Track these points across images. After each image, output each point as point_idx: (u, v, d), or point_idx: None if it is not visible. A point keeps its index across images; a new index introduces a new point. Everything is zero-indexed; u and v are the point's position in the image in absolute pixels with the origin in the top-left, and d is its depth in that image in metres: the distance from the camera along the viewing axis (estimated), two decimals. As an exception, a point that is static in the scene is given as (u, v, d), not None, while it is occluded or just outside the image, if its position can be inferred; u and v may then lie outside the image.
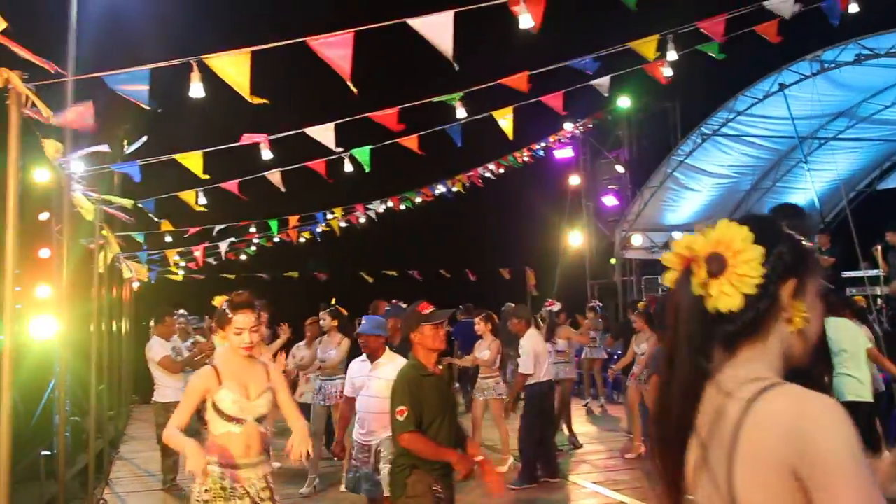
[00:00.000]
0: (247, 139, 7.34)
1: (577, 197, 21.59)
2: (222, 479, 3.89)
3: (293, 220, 13.73)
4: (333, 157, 8.50)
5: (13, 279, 4.08)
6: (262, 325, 4.26)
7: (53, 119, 4.71)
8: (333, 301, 9.01)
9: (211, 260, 15.28)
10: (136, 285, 14.94)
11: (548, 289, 19.63)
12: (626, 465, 9.36)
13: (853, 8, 7.78)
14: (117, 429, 11.94)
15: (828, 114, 16.35)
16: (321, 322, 8.77)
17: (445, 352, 4.61)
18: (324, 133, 7.06)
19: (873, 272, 12.86)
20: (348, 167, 9.09)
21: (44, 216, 10.26)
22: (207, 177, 7.25)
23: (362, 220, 14.49)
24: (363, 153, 8.80)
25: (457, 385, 12.54)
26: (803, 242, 1.49)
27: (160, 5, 12.48)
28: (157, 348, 8.60)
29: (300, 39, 5.14)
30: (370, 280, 19.27)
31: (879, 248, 12.37)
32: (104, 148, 6.64)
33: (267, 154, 7.58)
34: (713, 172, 18.50)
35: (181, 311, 9.73)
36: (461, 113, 7.81)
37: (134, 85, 4.96)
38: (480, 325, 9.24)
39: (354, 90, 5.24)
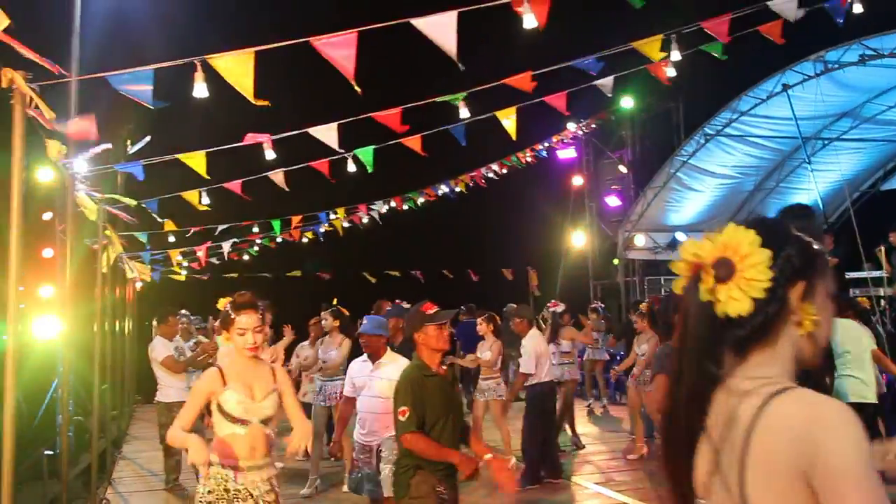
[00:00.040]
0: (250, 139, 7.35)
1: (580, 197, 21.58)
2: (225, 481, 3.88)
3: (296, 220, 13.74)
4: (337, 157, 8.51)
5: (17, 279, 4.08)
6: (266, 325, 4.21)
7: (56, 125, 4.72)
8: (335, 301, 9.00)
9: (214, 260, 15.29)
10: (139, 285, 14.95)
11: (550, 289, 19.62)
12: (629, 465, 9.35)
13: (857, 8, 7.77)
14: (120, 428, 11.95)
15: (831, 114, 16.33)
16: (322, 322, 8.76)
17: (448, 352, 4.59)
18: (327, 133, 7.07)
19: (877, 273, 12.83)
20: (351, 167, 9.09)
21: (47, 216, 10.27)
22: (209, 178, 7.25)
23: (365, 220, 14.49)
24: (366, 153, 8.80)
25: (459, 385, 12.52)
26: (812, 244, 1.48)
27: (163, 5, 12.50)
28: (160, 348, 8.61)
29: (304, 39, 5.15)
30: (373, 280, 19.26)
31: (883, 248, 12.35)
32: (107, 146, 6.64)
33: (270, 154, 7.58)
34: (716, 173, 18.48)
35: (183, 312, 9.74)
36: (464, 113, 7.81)
37: (137, 85, 4.97)
38: (482, 326, 9.23)
39: (359, 90, 5.23)
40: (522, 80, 7.13)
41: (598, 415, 13.33)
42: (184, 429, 3.89)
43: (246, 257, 16.57)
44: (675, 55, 7.68)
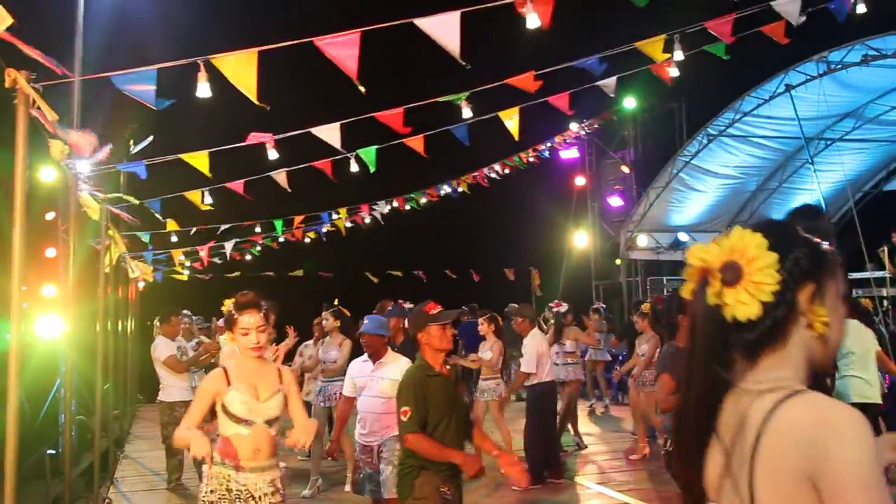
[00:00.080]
0: (253, 139, 7.35)
1: (582, 197, 21.57)
2: (227, 481, 3.87)
3: (298, 219, 13.75)
4: (339, 157, 8.51)
5: (20, 278, 4.08)
6: (270, 325, 4.19)
7: (59, 130, 4.72)
8: (336, 302, 8.98)
9: (216, 260, 15.30)
10: (141, 285, 14.96)
11: (552, 290, 19.61)
12: (631, 466, 9.35)
13: (861, 8, 7.76)
14: (122, 428, 11.96)
15: (834, 115, 16.32)
16: (323, 322, 8.73)
17: (450, 352, 4.58)
18: (329, 133, 7.07)
19: (879, 273, 12.84)
20: (354, 167, 9.09)
21: (50, 216, 10.28)
22: (210, 175, 7.25)
23: (367, 220, 14.50)
24: (369, 153, 8.80)
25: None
26: (820, 245, 1.47)
27: (167, 5, 12.50)
28: (162, 348, 8.61)
29: (307, 39, 5.15)
30: (375, 280, 19.27)
31: (886, 249, 12.35)
32: (107, 149, 6.65)
33: (273, 154, 7.58)
34: (719, 173, 18.48)
35: (185, 312, 9.75)
36: (467, 113, 7.80)
37: (141, 85, 4.97)
38: (483, 326, 9.23)
39: (363, 90, 5.24)
40: (525, 80, 7.13)
41: (599, 415, 13.34)
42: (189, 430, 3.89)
43: (248, 257, 16.58)
44: (679, 55, 7.67)
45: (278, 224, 13.62)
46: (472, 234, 22.28)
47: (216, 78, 5.22)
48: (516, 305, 10.81)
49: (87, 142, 5.47)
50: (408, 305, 8.46)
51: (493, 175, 14.20)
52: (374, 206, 14.20)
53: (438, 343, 4.31)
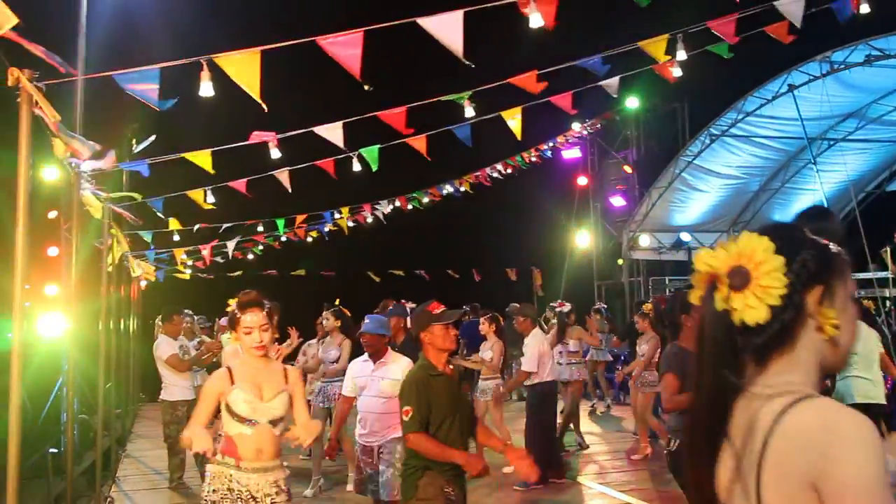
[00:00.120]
0: (255, 138, 7.35)
1: (584, 197, 21.56)
2: (229, 480, 3.86)
3: (300, 218, 13.75)
4: (342, 156, 8.51)
5: (22, 277, 4.08)
6: (274, 324, 4.17)
7: (61, 133, 4.72)
8: (337, 302, 8.97)
9: (218, 259, 15.31)
10: (143, 284, 14.97)
11: (554, 290, 19.61)
12: (633, 466, 9.34)
13: (864, 8, 7.75)
14: (125, 427, 11.97)
15: (837, 115, 16.31)
16: (324, 322, 8.70)
17: (452, 352, 4.57)
18: (332, 132, 7.07)
19: (882, 274, 12.83)
20: (356, 166, 9.09)
21: (52, 215, 10.29)
22: (213, 171, 7.25)
23: (370, 219, 14.50)
24: (371, 152, 8.80)
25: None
26: (829, 247, 1.46)
27: (170, 5, 12.51)
28: (164, 347, 8.62)
29: (310, 39, 5.15)
30: (377, 279, 19.28)
31: (888, 249, 12.34)
32: (111, 159, 6.66)
33: (275, 153, 7.59)
34: (721, 173, 18.47)
35: (187, 311, 9.76)
36: (469, 112, 7.80)
37: (143, 84, 4.97)
38: (485, 326, 9.23)
39: (368, 87, 5.23)
40: (528, 80, 7.13)
41: (599, 415, 13.34)
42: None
43: (250, 256, 16.59)
44: (682, 55, 7.67)
45: (280, 223, 13.63)
46: (474, 234, 22.28)
47: (219, 77, 5.22)
48: (517, 305, 10.81)
49: (88, 148, 5.47)
50: (410, 305, 8.45)
51: (495, 175, 14.19)
52: (377, 206, 14.20)
53: (441, 343, 4.29)
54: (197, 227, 12.57)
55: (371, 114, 7.24)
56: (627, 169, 20.69)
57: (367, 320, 5.82)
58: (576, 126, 17.32)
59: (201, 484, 4.11)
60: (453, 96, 7.66)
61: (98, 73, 5.42)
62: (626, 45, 7.42)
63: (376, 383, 5.57)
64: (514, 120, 8.03)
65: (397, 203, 14.27)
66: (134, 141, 12.76)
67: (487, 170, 14.07)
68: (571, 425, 10.35)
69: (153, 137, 12.00)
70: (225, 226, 13.13)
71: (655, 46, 7.33)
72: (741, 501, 1.39)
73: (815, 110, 15.26)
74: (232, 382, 3.92)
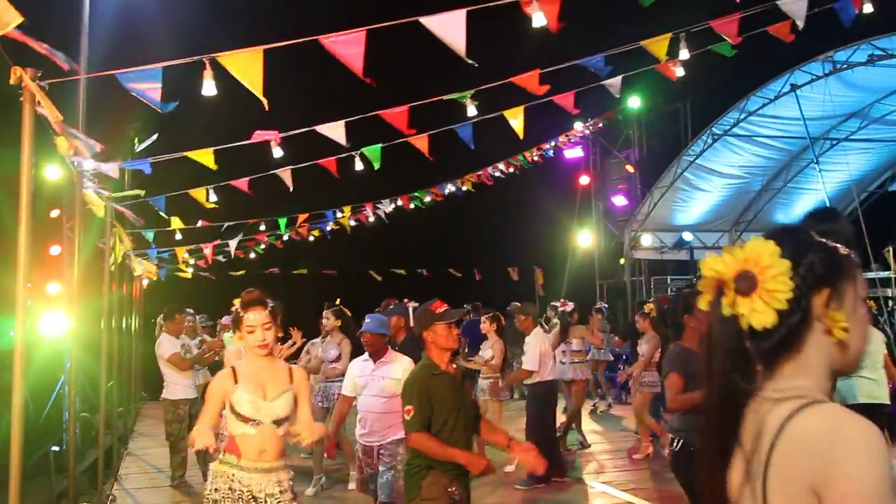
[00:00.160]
0: (258, 137, 7.35)
1: (586, 197, 21.56)
2: (231, 480, 3.85)
3: (302, 217, 13.76)
4: (344, 155, 8.51)
5: (25, 276, 4.08)
6: (277, 323, 4.15)
7: (64, 131, 4.72)
8: (338, 301, 8.96)
9: (220, 258, 15.32)
10: (145, 282, 14.98)
11: (556, 289, 19.61)
12: (634, 465, 9.34)
13: (867, 8, 7.74)
14: (126, 425, 11.98)
15: (840, 114, 16.29)
16: (324, 321, 8.69)
17: (455, 351, 4.56)
18: (334, 130, 7.07)
19: (884, 274, 12.82)
20: (359, 165, 9.09)
21: (54, 213, 10.30)
22: (216, 167, 7.24)
23: (372, 218, 14.50)
24: (373, 151, 8.80)
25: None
26: (837, 249, 1.45)
27: (172, 4, 12.51)
28: (166, 345, 8.63)
29: (312, 38, 5.15)
30: (379, 278, 19.29)
31: (891, 249, 12.33)
32: (115, 167, 6.67)
33: (278, 152, 7.59)
34: (724, 173, 18.46)
35: (189, 310, 9.76)
36: (472, 111, 7.80)
37: (146, 83, 4.97)
38: (485, 325, 9.22)
39: (372, 81, 5.23)
40: (530, 80, 7.12)
41: (600, 413, 13.36)
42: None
43: (252, 255, 16.60)
44: (684, 54, 7.66)
45: (282, 222, 13.63)
46: (476, 233, 22.28)
47: (221, 76, 5.22)
48: (518, 304, 10.82)
49: (89, 147, 5.46)
50: (413, 304, 8.45)
51: (497, 174, 14.19)
52: (379, 205, 14.20)
53: (444, 342, 4.27)
54: (200, 223, 12.58)
55: (373, 113, 7.23)
56: (629, 168, 20.68)
57: (367, 320, 5.82)
58: (578, 125, 17.33)
59: (203, 482, 4.11)
60: (455, 95, 7.65)
61: (101, 72, 5.42)
62: (629, 44, 7.41)
63: (376, 383, 5.56)
64: (516, 119, 8.03)
65: (399, 202, 14.27)
66: (136, 140, 12.77)
67: (489, 169, 14.06)
68: (573, 424, 10.35)
69: (155, 136, 12.02)
70: (227, 224, 13.14)
71: (658, 46, 7.32)
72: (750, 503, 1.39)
73: (818, 110, 15.24)
74: (235, 382, 3.91)
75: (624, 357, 13.98)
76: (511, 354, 10.54)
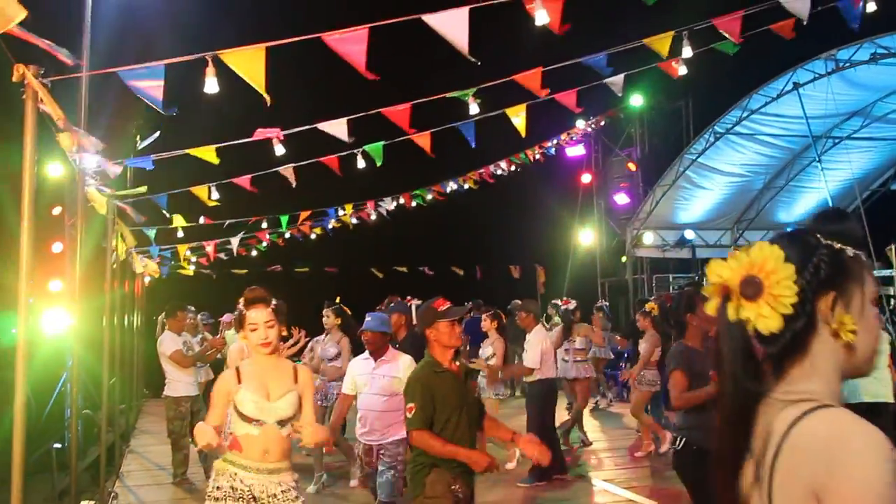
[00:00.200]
0: (260, 134, 7.36)
1: (588, 195, 21.55)
2: (233, 479, 3.83)
3: (304, 215, 13.76)
4: (346, 152, 8.51)
5: (27, 273, 4.08)
6: (281, 322, 4.12)
7: (66, 139, 4.72)
8: (339, 299, 8.96)
9: (222, 255, 15.33)
10: (147, 280, 14.99)
11: (558, 287, 19.61)
12: (635, 462, 9.35)
13: (870, 7, 7.72)
14: (128, 422, 11.99)
15: (842, 113, 16.28)
16: (324, 320, 8.67)
17: (457, 349, 4.54)
18: (337, 128, 7.07)
19: (886, 272, 12.80)
20: (361, 163, 9.09)
21: (56, 211, 10.30)
22: (218, 161, 7.24)
23: (373, 216, 14.51)
24: (376, 149, 8.80)
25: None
26: (844, 250, 1.44)
27: (175, 1, 12.51)
28: (168, 342, 8.64)
29: (315, 35, 5.14)
30: (380, 276, 19.30)
31: (893, 247, 12.31)
32: (117, 170, 6.68)
33: (280, 149, 7.59)
34: (726, 171, 18.45)
35: (191, 308, 9.76)
36: (474, 109, 7.79)
37: (149, 80, 4.97)
38: (486, 323, 9.22)
39: (374, 76, 5.22)
40: (533, 77, 7.12)
41: (601, 410, 13.37)
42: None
43: (254, 253, 16.61)
44: (687, 52, 7.65)
45: (284, 220, 13.64)
46: (478, 231, 22.27)
47: (224, 73, 5.22)
48: (520, 302, 10.82)
49: (91, 145, 5.47)
50: (415, 302, 8.44)
51: (499, 172, 14.19)
52: (381, 203, 14.21)
53: (447, 340, 4.26)
54: (201, 219, 12.59)
55: (375, 110, 7.23)
56: (631, 166, 20.66)
57: (368, 318, 5.80)
58: (580, 123, 17.33)
59: (205, 480, 4.11)
60: (458, 93, 7.65)
61: (103, 70, 5.42)
62: (631, 42, 7.40)
63: (377, 381, 5.56)
64: (518, 117, 8.02)
65: (401, 200, 14.28)
66: (138, 137, 12.78)
67: (491, 167, 14.07)
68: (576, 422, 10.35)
69: (157, 134, 12.02)
70: (229, 222, 13.15)
71: (660, 44, 7.31)
72: None
73: (820, 108, 15.22)
74: (239, 382, 3.89)
75: (626, 355, 13.98)
76: (512, 352, 10.53)
